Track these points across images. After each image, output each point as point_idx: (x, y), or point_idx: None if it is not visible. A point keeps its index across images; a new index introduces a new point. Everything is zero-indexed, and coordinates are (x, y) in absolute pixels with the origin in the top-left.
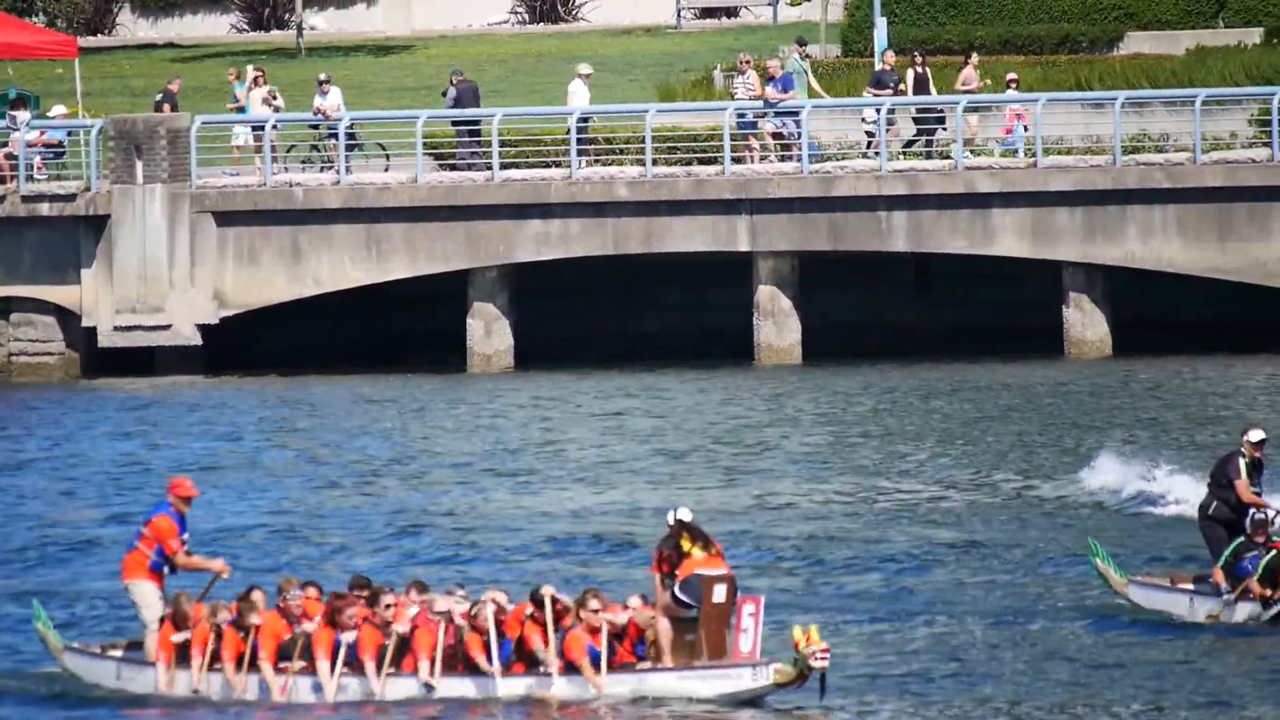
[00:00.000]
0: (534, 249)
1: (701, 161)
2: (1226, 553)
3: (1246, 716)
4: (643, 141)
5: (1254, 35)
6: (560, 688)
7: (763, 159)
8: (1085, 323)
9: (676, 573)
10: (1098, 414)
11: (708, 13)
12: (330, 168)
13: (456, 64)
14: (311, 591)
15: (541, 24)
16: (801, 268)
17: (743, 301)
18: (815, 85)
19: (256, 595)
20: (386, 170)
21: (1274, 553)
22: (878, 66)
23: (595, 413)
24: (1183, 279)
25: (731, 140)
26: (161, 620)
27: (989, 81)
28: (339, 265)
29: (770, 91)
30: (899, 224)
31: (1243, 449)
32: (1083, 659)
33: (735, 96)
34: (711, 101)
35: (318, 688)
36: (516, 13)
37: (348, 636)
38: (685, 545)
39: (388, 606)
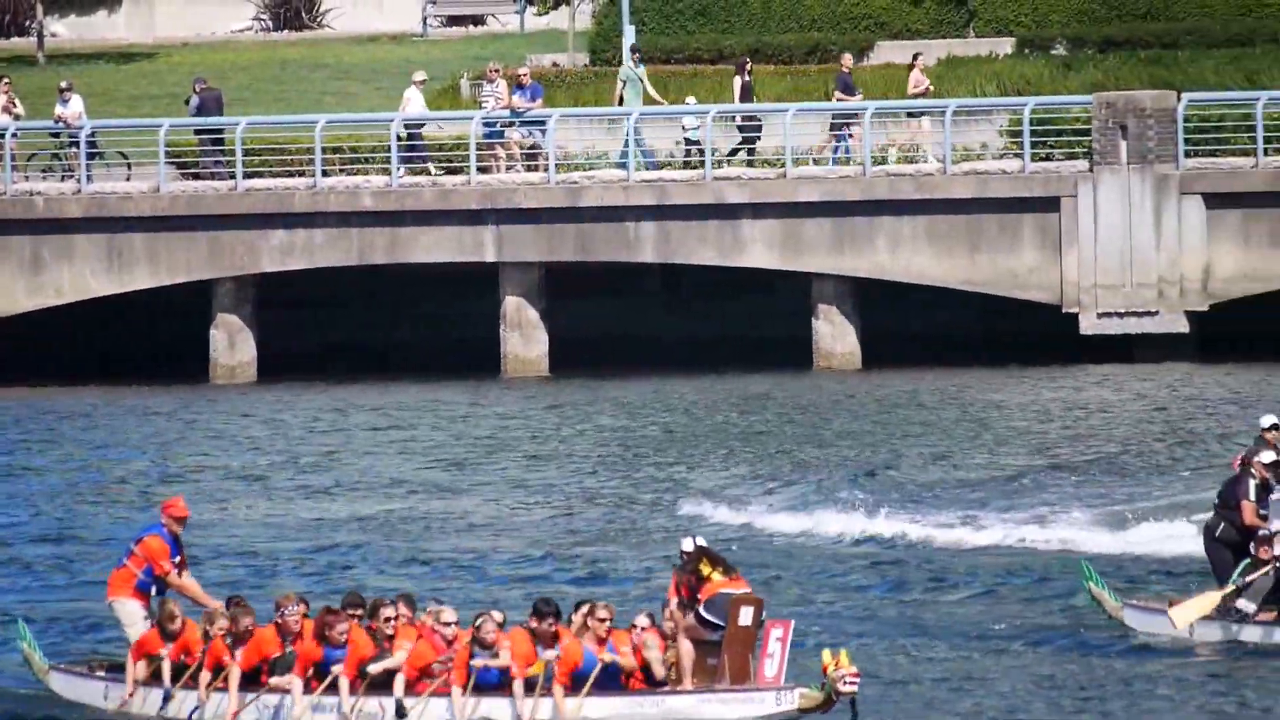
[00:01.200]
0: (278, 259)
1: (448, 171)
2: (1234, 576)
3: None
4: (388, 150)
5: (1005, 45)
6: (562, 705)
7: (509, 169)
8: (835, 335)
9: (699, 597)
10: (830, 427)
11: (454, 20)
12: (71, 176)
13: (200, 72)
14: (300, 608)
15: (285, 31)
16: (549, 279)
17: (490, 313)
18: (651, 91)
19: (243, 603)
20: (128, 179)
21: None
22: (844, 69)
23: (333, 427)
24: (934, 291)
25: (478, 150)
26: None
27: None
28: (80, 276)
29: (518, 100)
30: (647, 235)
31: (1253, 470)
32: (1072, 686)
33: (482, 105)
34: (458, 110)
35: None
36: (260, 20)
37: (337, 654)
38: (705, 570)
39: (387, 620)
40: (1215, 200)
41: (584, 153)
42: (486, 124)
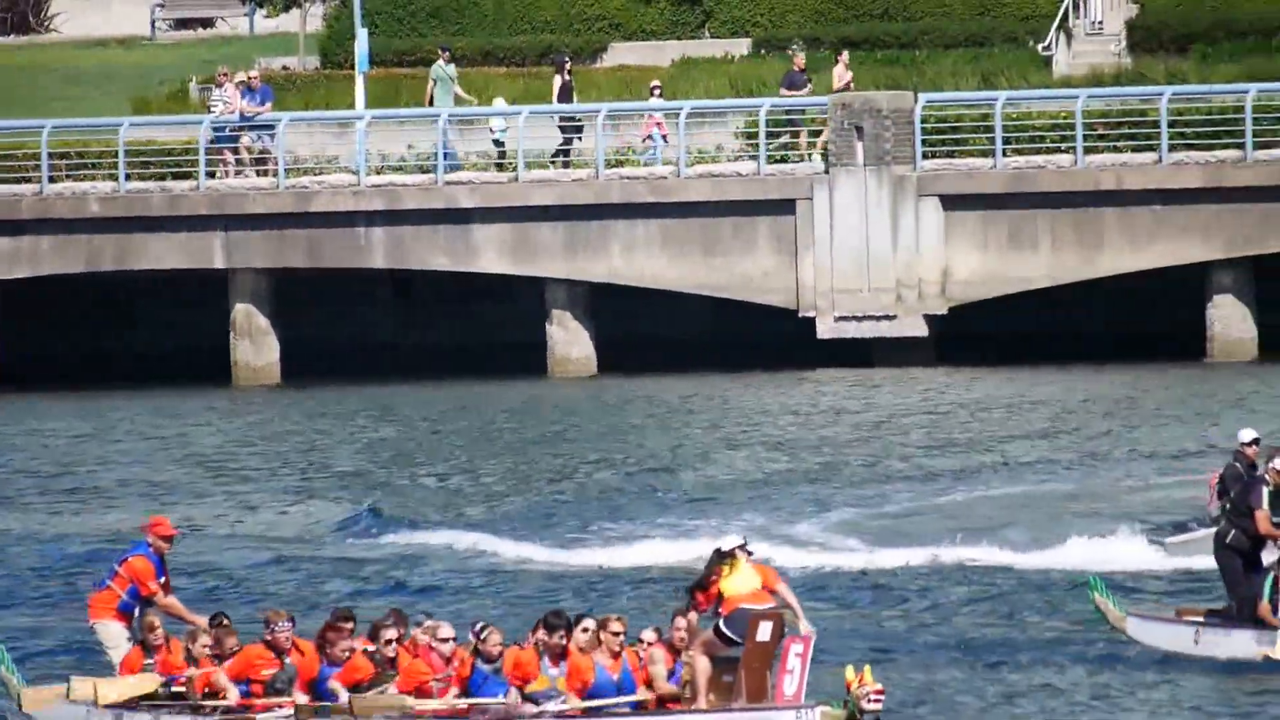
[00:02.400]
0: (4, 267)
1: (176, 176)
2: (1268, 590)
3: None
4: (115, 156)
5: (741, 46)
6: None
7: (239, 174)
8: (569, 340)
9: (719, 609)
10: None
11: (183, 24)
12: None
13: None
14: (290, 625)
15: (13, 35)
16: (279, 285)
17: (221, 320)
18: (461, 92)
19: (225, 622)
20: None
21: None
22: (796, 66)
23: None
24: (669, 295)
25: (207, 155)
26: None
27: None
28: None
29: (247, 104)
30: (378, 240)
31: (1267, 476)
32: (1074, 697)
33: (211, 110)
34: (187, 115)
35: None
36: None
37: (333, 670)
38: (727, 579)
39: (388, 643)
40: (953, 202)
41: (314, 157)
42: (216, 129)
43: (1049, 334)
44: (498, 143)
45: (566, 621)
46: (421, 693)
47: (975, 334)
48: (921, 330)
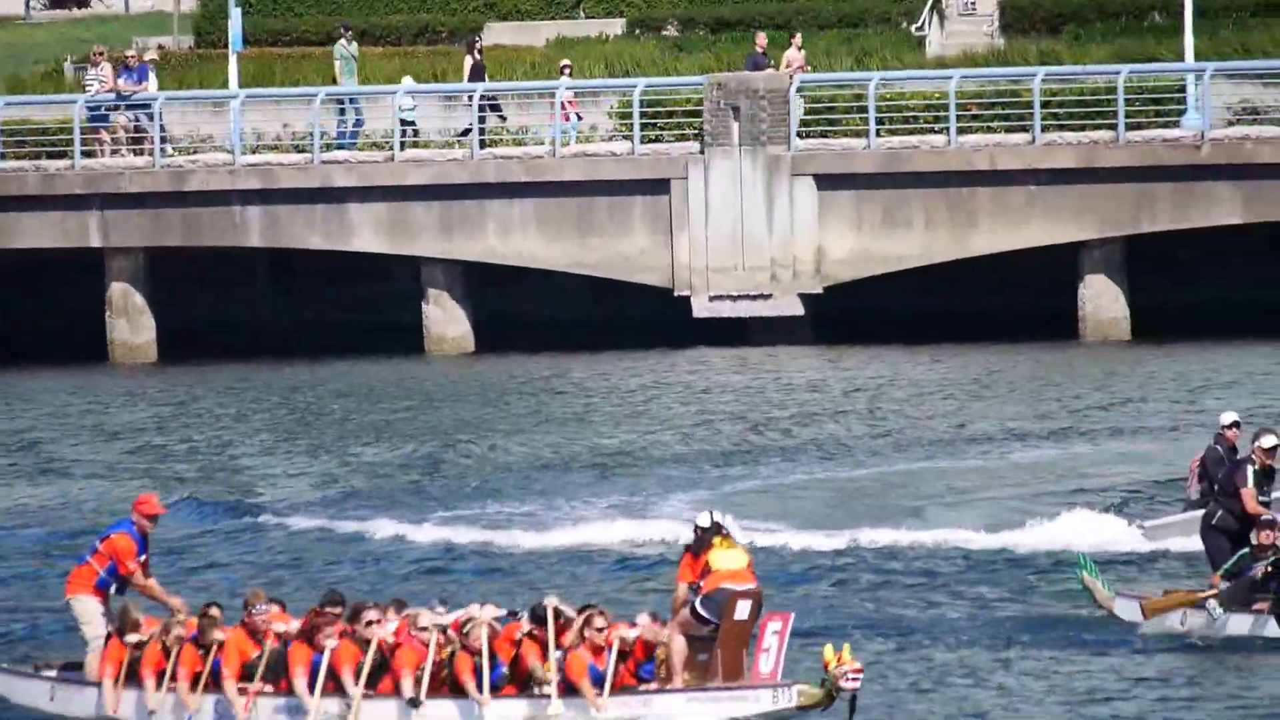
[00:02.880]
0: None
1: (51, 155)
2: (1229, 563)
3: None
4: None
5: (615, 26)
6: (557, 710)
7: (114, 153)
8: (446, 320)
9: (701, 585)
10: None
11: (58, 3)
12: None
13: None
14: (275, 609)
15: None
16: (156, 264)
17: (97, 299)
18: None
19: (215, 611)
20: None
21: (1278, 557)
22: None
23: None
24: (545, 275)
25: (83, 134)
26: (107, 638)
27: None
28: None
29: (123, 83)
30: (254, 219)
31: (1253, 455)
32: (1064, 679)
33: (87, 89)
34: (62, 94)
35: (289, 709)
36: None
37: (324, 656)
38: (716, 551)
39: (369, 624)
40: (827, 182)
41: (188, 136)
42: (91, 108)
43: (923, 314)
44: (407, 122)
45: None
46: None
47: (850, 313)
48: (796, 309)
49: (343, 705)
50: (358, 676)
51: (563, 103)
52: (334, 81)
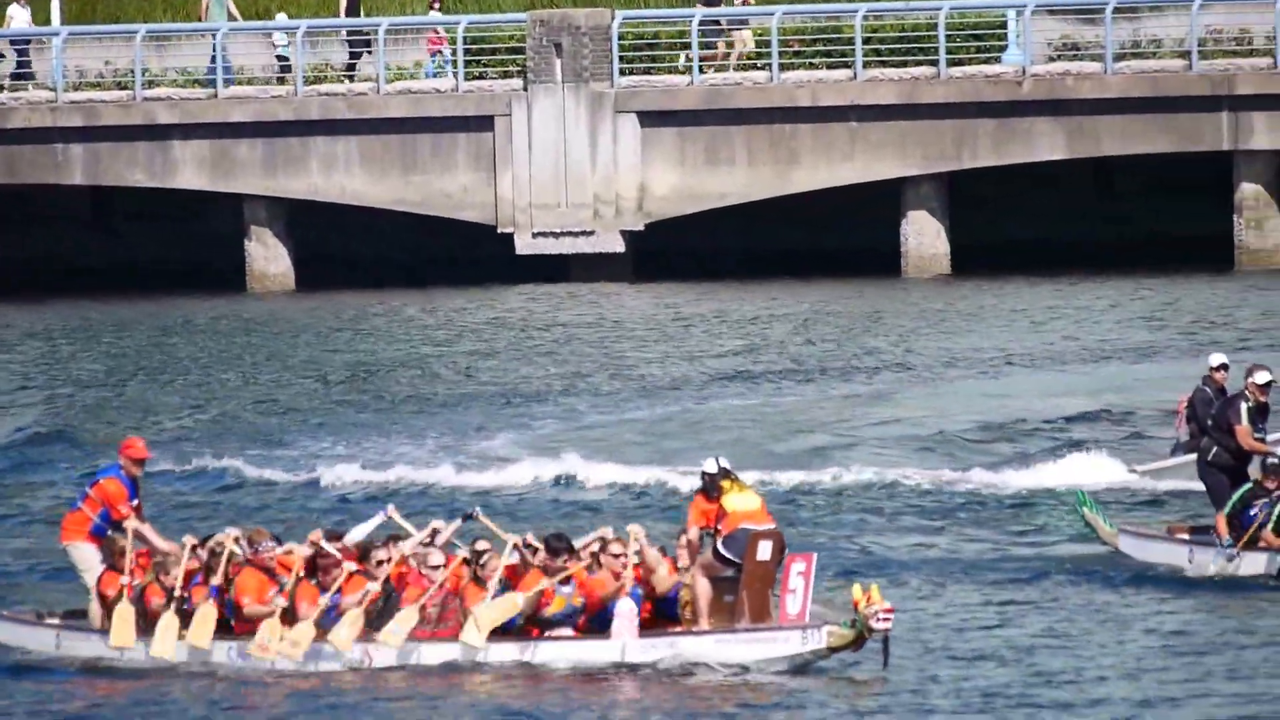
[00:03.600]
0: None
1: None
2: (1233, 499)
3: (1247, 678)
4: None
5: None
6: (574, 650)
7: None
8: (268, 257)
9: (719, 527)
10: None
11: None
12: None
13: None
14: (279, 546)
15: None
16: None
17: None
18: (233, 8)
19: (215, 542)
20: None
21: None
22: None
23: None
24: (369, 212)
25: None
26: (100, 579)
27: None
28: None
29: None
30: (76, 157)
31: (1246, 391)
32: (1066, 616)
33: None
34: None
35: (313, 653)
36: None
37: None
38: (728, 494)
39: (379, 564)
40: (650, 119)
41: (4, 75)
42: None
43: (746, 251)
44: (281, 58)
45: (569, 544)
46: (422, 620)
47: (673, 250)
48: (619, 246)
49: (362, 648)
50: (370, 613)
51: (433, 38)
52: (199, 18)
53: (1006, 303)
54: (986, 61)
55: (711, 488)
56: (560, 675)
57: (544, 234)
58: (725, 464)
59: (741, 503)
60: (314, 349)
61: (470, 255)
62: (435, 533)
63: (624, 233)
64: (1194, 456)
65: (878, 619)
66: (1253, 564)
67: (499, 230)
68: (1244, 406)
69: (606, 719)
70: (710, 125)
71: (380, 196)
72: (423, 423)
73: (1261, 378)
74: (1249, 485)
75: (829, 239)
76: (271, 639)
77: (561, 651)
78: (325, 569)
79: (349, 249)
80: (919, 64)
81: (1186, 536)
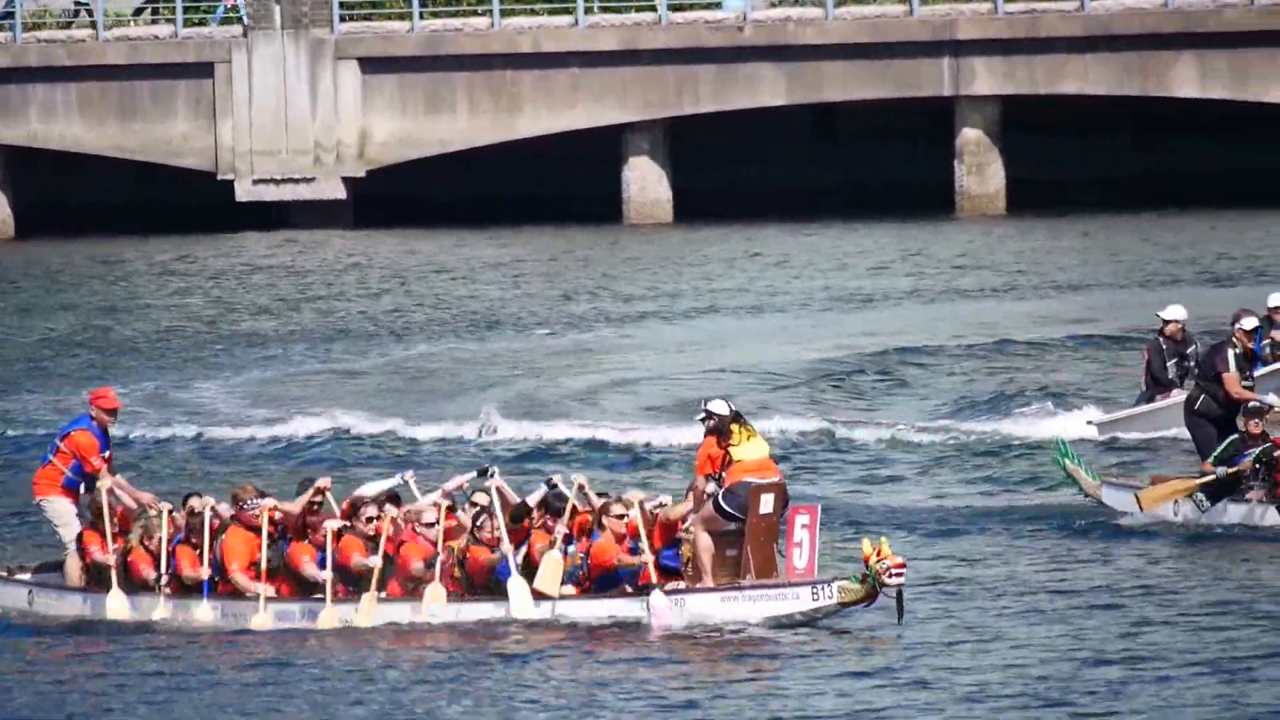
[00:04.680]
0: None
1: None
2: (1220, 449)
3: (1232, 625)
4: None
5: None
6: (574, 608)
7: None
8: None
9: (723, 475)
10: None
11: None
12: None
13: None
14: (268, 501)
15: None
16: None
17: None
18: None
19: (195, 502)
20: None
21: (1268, 446)
22: None
23: None
24: (90, 159)
25: None
26: (80, 537)
27: None
28: None
29: None
30: None
31: (1234, 338)
32: (1049, 567)
33: None
34: None
35: (303, 613)
36: None
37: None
38: (736, 441)
39: (369, 520)
40: (371, 65)
41: None
42: None
43: (469, 197)
44: (81, 3)
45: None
46: (414, 579)
47: (395, 197)
48: (340, 193)
49: (349, 607)
50: (368, 574)
51: None
52: None
53: (725, 248)
54: (707, 7)
55: (724, 431)
56: (562, 635)
57: (264, 181)
58: (734, 407)
59: (749, 452)
60: (29, 296)
61: (191, 202)
62: (446, 501)
63: (345, 180)
64: (1148, 407)
65: (890, 574)
66: (1236, 514)
67: (219, 177)
68: (1231, 354)
69: (613, 680)
70: (431, 72)
71: (99, 144)
72: (138, 371)
73: (1249, 324)
74: (1237, 435)
75: (552, 186)
76: (369, 606)
77: (569, 609)
78: (315, 527)
79: (71, 196)
80: (640, 10)
81: None
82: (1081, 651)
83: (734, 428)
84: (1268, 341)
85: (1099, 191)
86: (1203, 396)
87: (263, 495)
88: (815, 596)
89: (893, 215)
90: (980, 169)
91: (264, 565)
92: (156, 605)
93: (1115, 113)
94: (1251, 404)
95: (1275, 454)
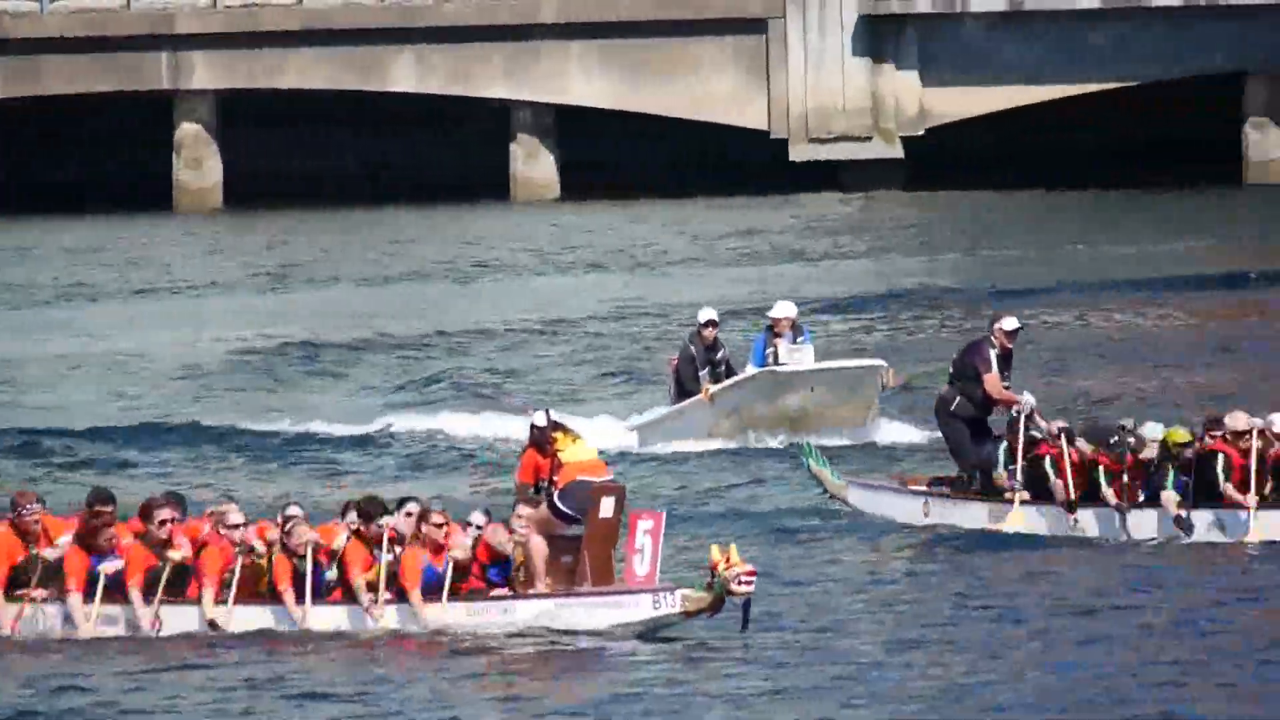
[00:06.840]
0: None
1: None
2: (1002, 459)
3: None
4: None
5: None
6: (390, 618)
7: None
8: None
9: (555, 479)
10: None
11: None
12: None
13: None
14: (39, 507)
15: None
16: None
17: None
18: None
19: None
20: None
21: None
22: None
23: None
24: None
25: None
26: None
27: None
28: None
29: None
30: None
31: (992, 337)
32: (793, 569)
33: None
34: None
35: (66, 618)
36: None
37: (108, 564)
38: (561, 447)
39: (162, 524)
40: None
41: None
42: None
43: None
44: None
45: (384, 508)
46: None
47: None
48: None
49: (129, 613)
50: (151, 588)
51: None
52: None
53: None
54: None
55: (543, 441)
56: (368, 643)
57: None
58: (555, 416)
59: (577, 453)
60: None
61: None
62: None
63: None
64: (675, 408)
65: (739, 582)
66: (1013, 519)
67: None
68: (992, 354)
69: (435, 691)
70: None
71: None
72: None
73: (1010, 324)
74: (1006, 447)
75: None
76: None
77: (380, 615)
78: (96, 531)
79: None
80: None
81: (922, 488)
82: (925, 651)
83: (556, 435)
84: (771, 350)
85: (320, 184)
86: (959, 397)
87: (40, 501)
88: (657, 604)
89: (109, 212)
90: (198, 163)
91: (35, 577)
92: None
93: (338, 107)
94: (1017, 407)
95: (1186, 453)
